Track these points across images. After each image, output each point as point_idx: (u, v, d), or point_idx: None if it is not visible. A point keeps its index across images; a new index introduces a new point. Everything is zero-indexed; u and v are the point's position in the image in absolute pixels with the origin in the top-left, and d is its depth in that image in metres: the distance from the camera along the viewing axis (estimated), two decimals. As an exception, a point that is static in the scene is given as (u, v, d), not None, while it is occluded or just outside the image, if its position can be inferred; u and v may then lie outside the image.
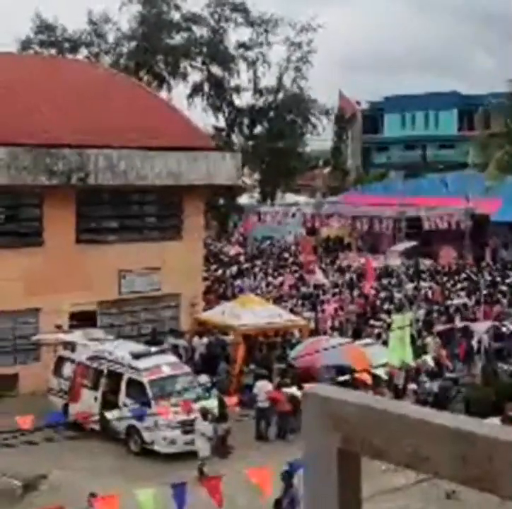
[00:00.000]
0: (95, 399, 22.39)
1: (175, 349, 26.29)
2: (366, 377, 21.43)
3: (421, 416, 1.43)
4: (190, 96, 65.98)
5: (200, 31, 65.92)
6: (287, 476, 15.93)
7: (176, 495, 14.31)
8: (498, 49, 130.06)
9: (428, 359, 24.61)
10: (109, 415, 20.17)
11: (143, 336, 27.86)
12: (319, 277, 39.04)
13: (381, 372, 22.16)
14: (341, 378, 20.65)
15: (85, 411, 21.87)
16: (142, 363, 22.02)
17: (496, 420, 17.70)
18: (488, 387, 22.95)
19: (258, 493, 15.56)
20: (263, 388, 22.52)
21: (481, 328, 27.67)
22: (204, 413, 20.40)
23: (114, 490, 14.29)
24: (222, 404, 20.47)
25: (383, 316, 31.39)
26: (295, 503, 15.94)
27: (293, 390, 19.64)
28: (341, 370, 23.00)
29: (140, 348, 23.68)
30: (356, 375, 21.23)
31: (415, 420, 1.43)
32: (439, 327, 29.57)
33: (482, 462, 1.36)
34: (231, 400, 20.14)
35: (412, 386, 24.06)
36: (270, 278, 42.16)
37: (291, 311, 30.99)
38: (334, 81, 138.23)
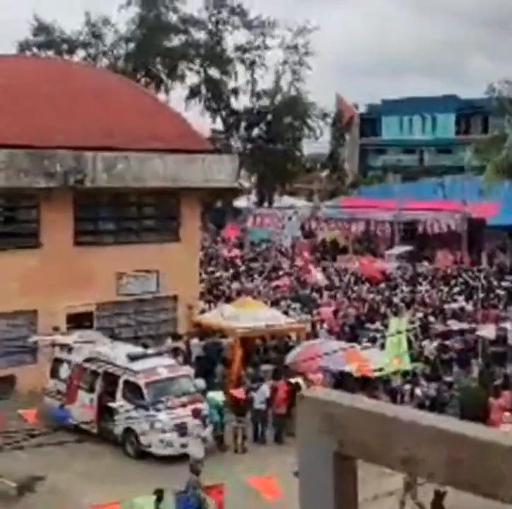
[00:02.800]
0: (91, 401, 22.36)
1: (174, 352, 26.27)
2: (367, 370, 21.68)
3: (418, 420, 1.43)
4: (188, 98, 66.09)
5: (198, 34, 66.08)
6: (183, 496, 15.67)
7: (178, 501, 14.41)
8: (500, 54, 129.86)
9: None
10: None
11: (141, 338, 27.83)
12: (318, 277, 38.89)
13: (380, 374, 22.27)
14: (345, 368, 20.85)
15: (83, 413, 21.98)
16: (138, 365, 21.97)
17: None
18: (484, 391, 22.82)
19: (257, 497, 15.55)
20: (259, 390, 22.51)
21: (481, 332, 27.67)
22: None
23: (111, 494, 14.29)
24: (236, 401, 20.83)
25: (380, 320, 31.38)
26: None
27: (298, 379, 19.84)
28: (339, 374, 23.06)
29: (137, 350, 23.64)
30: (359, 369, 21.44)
31: (411, 423, 1.43)
32: (437, 330, 29.56)
33: (479, 466, 1.35)
34: (238, 393, 20.44)
35: (411, 389, 24.00)
36: (267, 281, 42.11)
37: (287, 314, 30.97)
38: (334, 84, 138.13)
